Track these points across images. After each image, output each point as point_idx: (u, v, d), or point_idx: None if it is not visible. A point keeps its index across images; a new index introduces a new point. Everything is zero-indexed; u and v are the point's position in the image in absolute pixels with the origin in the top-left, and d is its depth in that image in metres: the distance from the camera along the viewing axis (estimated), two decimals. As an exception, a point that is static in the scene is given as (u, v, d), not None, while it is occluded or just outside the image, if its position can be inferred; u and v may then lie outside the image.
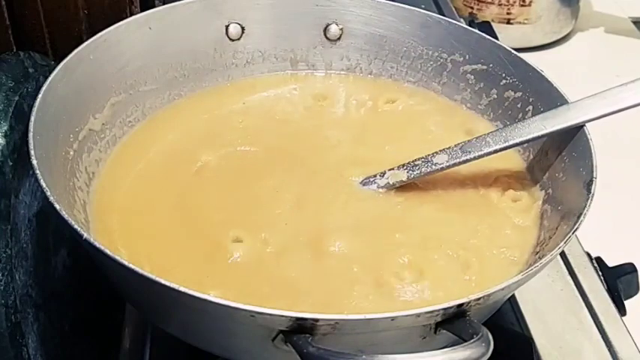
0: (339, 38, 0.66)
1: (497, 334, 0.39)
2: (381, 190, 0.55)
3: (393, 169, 0.56)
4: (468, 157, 0.54)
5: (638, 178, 0.84)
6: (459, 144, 0.55)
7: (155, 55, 0.61)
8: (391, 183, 0.55)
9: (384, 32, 0.65)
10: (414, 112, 0.64)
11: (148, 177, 0.56)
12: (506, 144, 0.54)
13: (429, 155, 0.56)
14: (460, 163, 0.54)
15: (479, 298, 0.40)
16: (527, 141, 0.55)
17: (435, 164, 0.55)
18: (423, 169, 0.55)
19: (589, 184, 0.49)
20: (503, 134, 0.55)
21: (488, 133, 0.55)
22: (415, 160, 0.56)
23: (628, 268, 0.61)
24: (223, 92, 0.65)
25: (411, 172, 0.55)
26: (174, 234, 0.51)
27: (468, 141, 0.55)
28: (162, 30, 0.61)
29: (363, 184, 0.56)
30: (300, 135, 0.61)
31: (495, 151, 0.54)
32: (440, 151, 0.55)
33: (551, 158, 0.55)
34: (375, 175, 0.56)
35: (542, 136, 0.54)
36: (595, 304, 0.57)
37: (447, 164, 0.54)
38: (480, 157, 0.54)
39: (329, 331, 0.39)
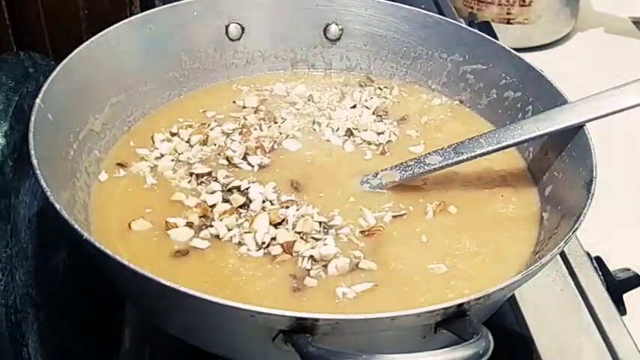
0: (339, 38, 0.66)
1: (497, 334, 0.39)
2: (374, 190, 0.55)
3: (386, 169, 0.56)
4: (460, 158, 0.54)
5: (638, 178, 0.84)
6: (452, 145, 0.55)
7: (155, 55, 0.61)
8: (384, 183, 0.55)
9: (384, 32, 0.65)
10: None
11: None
12: (499, 145, 0.54)
13: (421, 156, 0.55)
14: (453, 164, 0.54)
15: (479, 298, 0.40)
16: (520, 142, 0.55)
17: (428, 165, 0.55)
18: (415, 170, 0.55)
19: (589, 184, 0.49)
20: (497, 135, 0.55)
21: (481, 135, 0.55)
22: (408, 160, 0.56)
23: (634, 282, 0.61)
24: (223, 92, 0.65)
25: (403, 172, 0.55)
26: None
27: (461, 142, 0.55)
28: (162, 30, 0.61)
29: (361, 184, 0.56)
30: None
31: (488, 152, 0.54)
32: (433, 152, 0.55)
33: (551, 158, 0.55)
34: (368, 176, 0.56)
35: (535, 137, 0.54)
36: (595, 304, 0.57)
37: (440, 165, 0.54)
38: (472, 158, 0.54)
39: (329, 331, 0.39)
